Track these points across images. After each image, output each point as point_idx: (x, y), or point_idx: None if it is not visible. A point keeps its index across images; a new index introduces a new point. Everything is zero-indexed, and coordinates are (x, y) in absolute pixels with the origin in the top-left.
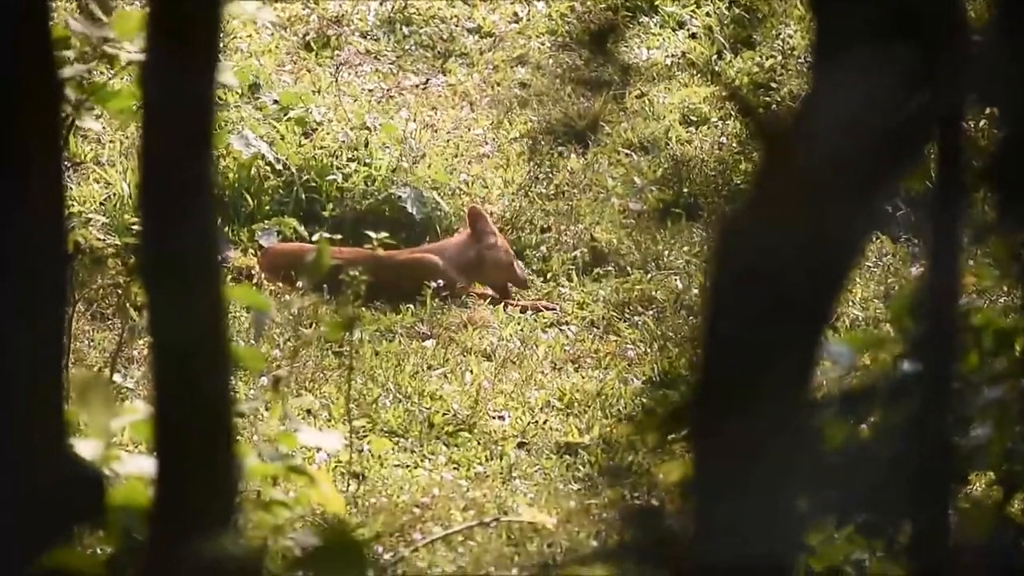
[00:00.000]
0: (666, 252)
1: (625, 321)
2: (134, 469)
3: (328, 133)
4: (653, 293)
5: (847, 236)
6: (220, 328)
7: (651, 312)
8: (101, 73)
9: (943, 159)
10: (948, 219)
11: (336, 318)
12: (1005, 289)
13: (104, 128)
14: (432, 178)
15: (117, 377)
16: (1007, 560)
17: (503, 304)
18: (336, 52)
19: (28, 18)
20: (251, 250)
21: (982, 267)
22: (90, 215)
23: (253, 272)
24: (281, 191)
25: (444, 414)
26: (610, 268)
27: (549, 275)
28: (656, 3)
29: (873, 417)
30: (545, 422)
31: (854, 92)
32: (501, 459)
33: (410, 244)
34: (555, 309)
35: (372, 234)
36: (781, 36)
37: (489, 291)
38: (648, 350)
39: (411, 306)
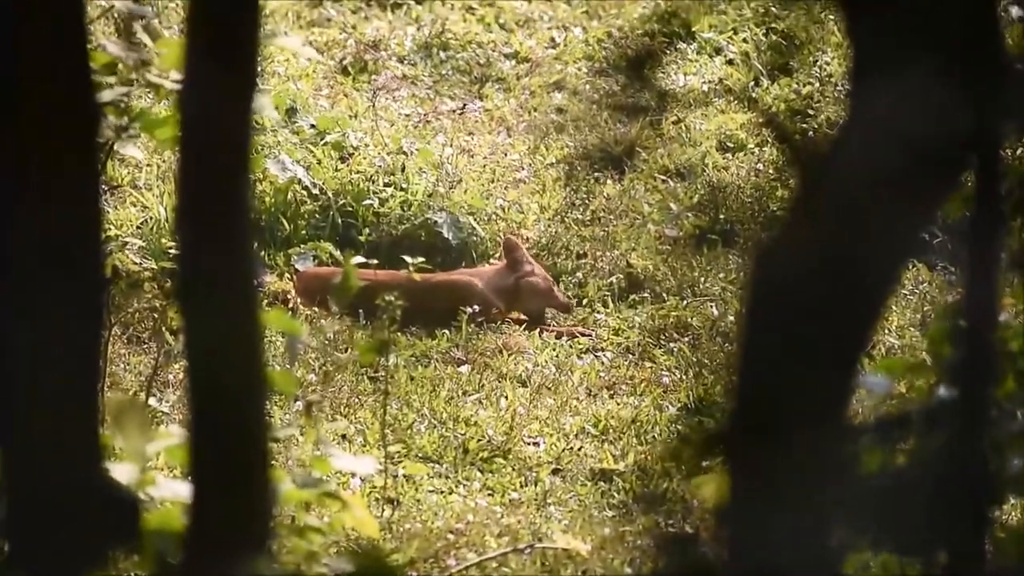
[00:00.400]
0: (702, 279)
1: (660, 348)
2: (169, 493)
3: (364, 158)
4: (689, 320)
5: (884, 263)
6: (256, 352)
7: (687, 339)
8: (141, 98)
9: (981, 186)
10: (986, 246)
11: (371, 342)
12: None
13: (142, 154)
14: (468, 203)
15: (152, 401)
16: None
17: (539, 330)
18: (373, 77)
19: (66, 41)
20: (287, 274)
21: (1020, 290)
22: (127, 239)
23: (289, 296)
24: (317, 215)
25: (479, 440)
26: (646, 294)
27: (585, 301)
28: (693, 29)
29: (909, 444)
30: (580, 448)
31: (891, 119)
32: (536, 485)
33: (446, 269)
34: (590, 335)
35: (408, 259)
36: (818, 63)
37: (523, 316)
38: (683, 377)
39: (446, 331)
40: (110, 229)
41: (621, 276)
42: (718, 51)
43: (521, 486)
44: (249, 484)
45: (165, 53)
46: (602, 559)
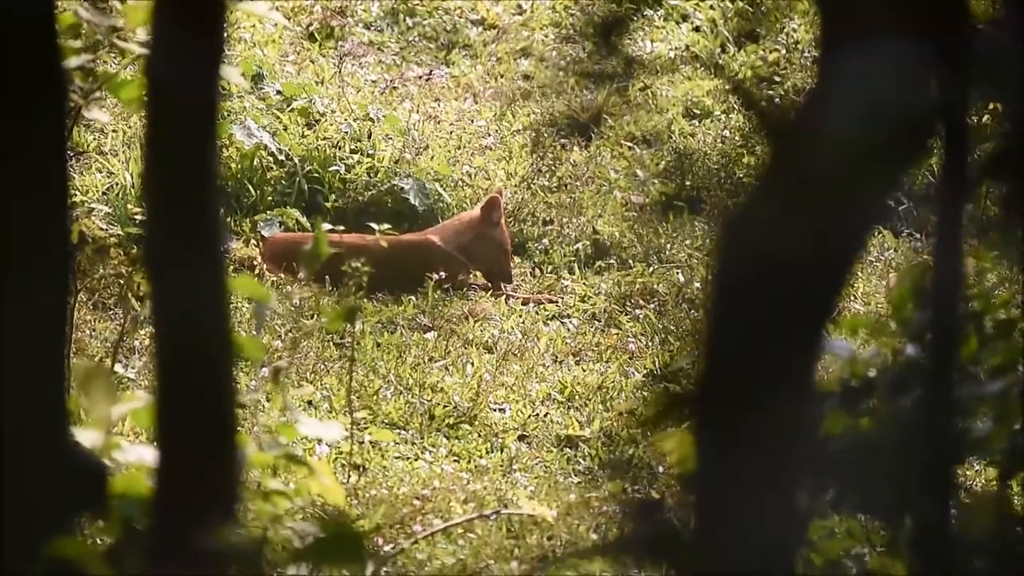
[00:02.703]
0: (668, 245)
1: (626, 314)
2: (134, 458)
3: (331, 124)
4: (655, 286)
5: (850, 229)
6: (222, 318)
7: (653, 305)
8: (107, 63)
9: (948, 152)
10: (952, 212)
11: (337, 309)
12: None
13: (108, 118)
14: (435, 170)
15: (119, 367)
16: (1008, 554)
17: (505, 296)
18: (339, 43)
19: (33, 5)
20: (253, 241)
21: (982, 251)
22: (93, 205)
23: (255, 263)
24: (284, 182)
25: (445, 406)
26: (612, 261)
27: (551, 267)
28: None
29: (874, 407)
30: (546, 415)
31: (859, 85)
32: (502, 452)
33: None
34: (556, 302)
35: (375, 225)
36: (785, 30)
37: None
38: (649, 343)
39: (412, 298)
40: (76, 195)
41: (587, 243)
42: (685, 18)
43: (487, 452)
44: (215, 449)
45: (131, 15)
46: (568, 525)
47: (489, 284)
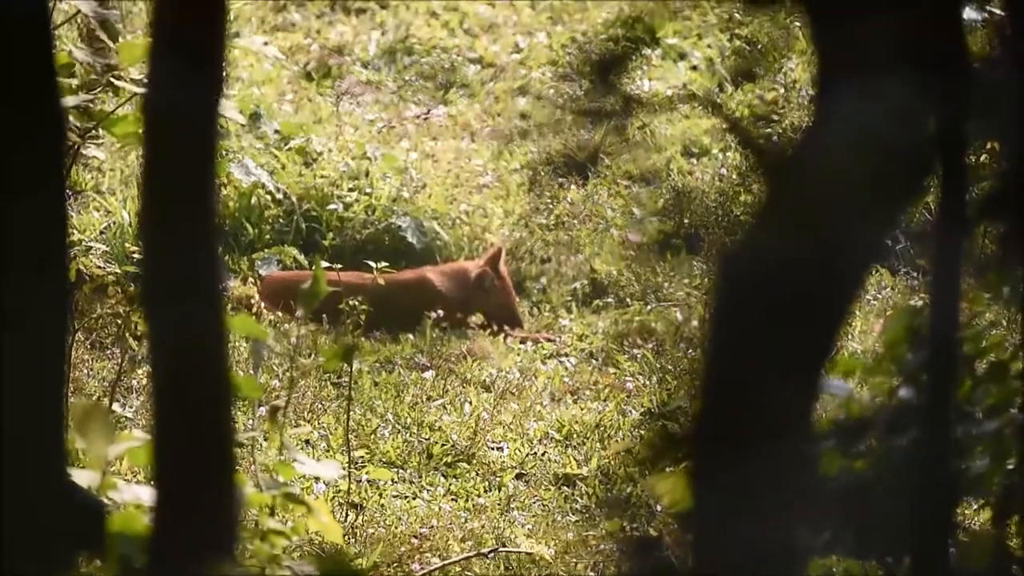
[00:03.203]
0: (666, 284)
1: (624, 353)
2: (131, 497)
3: (329, 163)
4: (652, 325)
5: (848, 267)
6: (220, 357)
7: (650, 344)
8: (103, 102)
9: (945, 190)
10: (950, 250)
11: (335, 348)
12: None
13: (105, 157)
14: (432, 208)
15: (116, 407)
16: None
17: (503, 335)
18: (337, 82)
19: (31, 46)
20: (251, 279)
21: (976, 292)
22: (90, 243)
23: (253, 301)
24: (281, 220)
25: (443, 445)
26: (610, 300)
27: (548, 307)
28: (658, 35)
29: (870, 447)
30: (544, 453)
31: (856, 124)
32: (500, 490)
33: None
34: (554, 340)
35: (372, 264)
36: (783, 69)
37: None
38: (647, 382)
39: (410, 336)
40: (74, 234)
41: (585, 281)
42: (682, 57)
43: (485, 491)
44: (213, 488)
45: (126, 53)
46: (566, 563)
47: (488, 324)
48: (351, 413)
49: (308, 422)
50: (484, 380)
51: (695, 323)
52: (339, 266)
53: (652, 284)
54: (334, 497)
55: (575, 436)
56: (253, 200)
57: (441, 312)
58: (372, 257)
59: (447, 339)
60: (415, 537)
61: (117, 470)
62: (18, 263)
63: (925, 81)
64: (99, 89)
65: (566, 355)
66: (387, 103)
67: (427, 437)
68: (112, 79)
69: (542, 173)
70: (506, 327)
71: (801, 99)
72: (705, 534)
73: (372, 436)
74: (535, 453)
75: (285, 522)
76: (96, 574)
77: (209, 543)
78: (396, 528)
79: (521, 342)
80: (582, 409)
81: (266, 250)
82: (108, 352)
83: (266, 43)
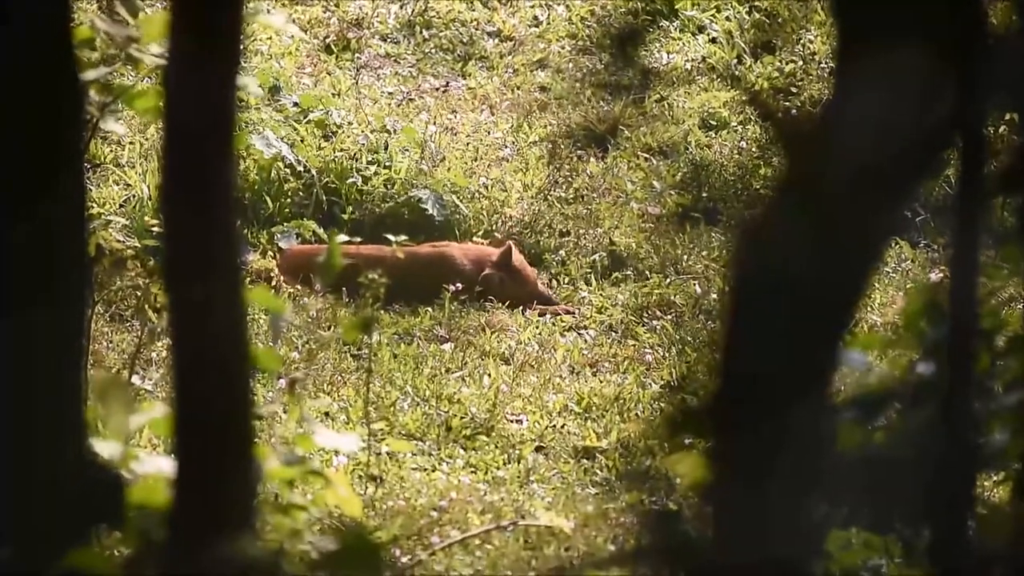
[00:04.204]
0: (685, 256)
1: (643, 325)
2: (152, 469)
3: (348, 136)
4: (672, 297)
5: (867, 241)
6: (240, 330)
7: (669, 316)
8: (122, 75)
9: (965, 164)
10: (969, 224)
11: (354, 320)
12: (1017, 300)
13: (125, 130)
14: (452, 181)
15: (136, 379)
16: None
17: (522, 308)
18: (356, 55)
19: (51, 19)
20: (270, 252)
21: (994, 268)
22: (110, 217)
23: (272, 274)
24: (301, 193)
25: (462, 417)
26: (629, 272)
27: (568, 279)
28: (676, 7)
29: (890, 421)
30: (563, 426)
31: (876, 97)
32: (519, 463)
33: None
34: (573, 313)
35: (391, 237)
36: (801, 41)
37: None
38: (666, 354)
39: (429, 309)
40: (93, 207)
41: (604, 254)
42: (701, 29)
43: (504, 463)
44: (233, 462)
45: (147, 28)
46: (585, 536)
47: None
48: (370, 385)
49: (327, 394)
50: (503, 352)
51: (714, 296)
52: (358, 239)
53: (671, 257)
54: (354, 470)
55: (594, 408)
56: (272, 173)
57: (460, 285)
58: (392, 230)
59: (466, 311)
60: (434, 510)
61: (137, 442)
62: (37, 236)
63: (945, 53)
64: (119, 63)
65: (585, 328)
66: (406, 76)
67: (446, 410)
68: (132, 51)
69: (561, 146)
70: (543, 305)
71: (820, 71)
72: (724, 507)
73: (391, 408)
74: (554, 426)
75: (305, 495)
76: (115, 547)
77: (228, 515)
78: (415, 501)
79: (540, 315)
80: (601, 382)
81: (285, 223)
82: (128, 325)
83: (287, 21)
